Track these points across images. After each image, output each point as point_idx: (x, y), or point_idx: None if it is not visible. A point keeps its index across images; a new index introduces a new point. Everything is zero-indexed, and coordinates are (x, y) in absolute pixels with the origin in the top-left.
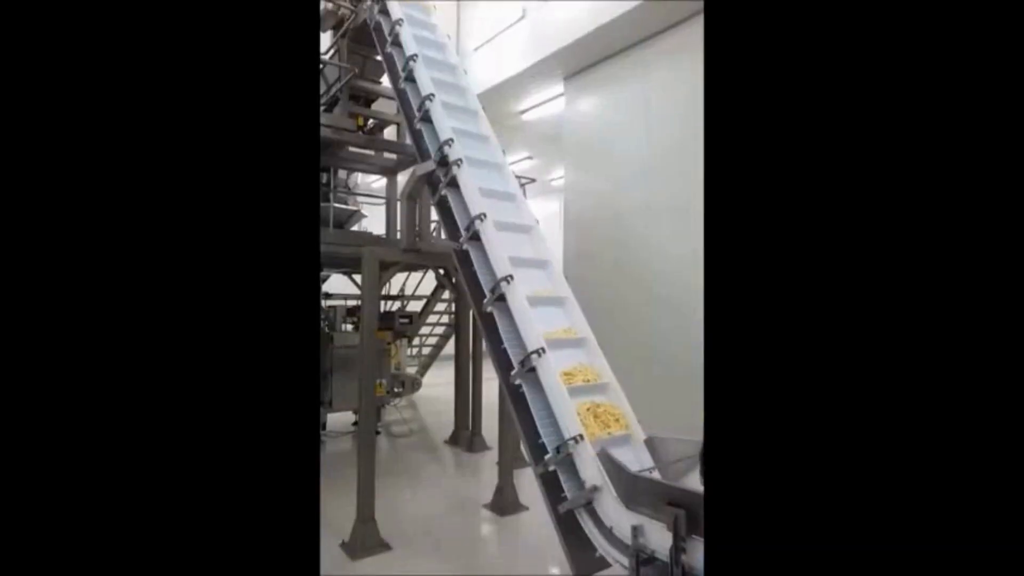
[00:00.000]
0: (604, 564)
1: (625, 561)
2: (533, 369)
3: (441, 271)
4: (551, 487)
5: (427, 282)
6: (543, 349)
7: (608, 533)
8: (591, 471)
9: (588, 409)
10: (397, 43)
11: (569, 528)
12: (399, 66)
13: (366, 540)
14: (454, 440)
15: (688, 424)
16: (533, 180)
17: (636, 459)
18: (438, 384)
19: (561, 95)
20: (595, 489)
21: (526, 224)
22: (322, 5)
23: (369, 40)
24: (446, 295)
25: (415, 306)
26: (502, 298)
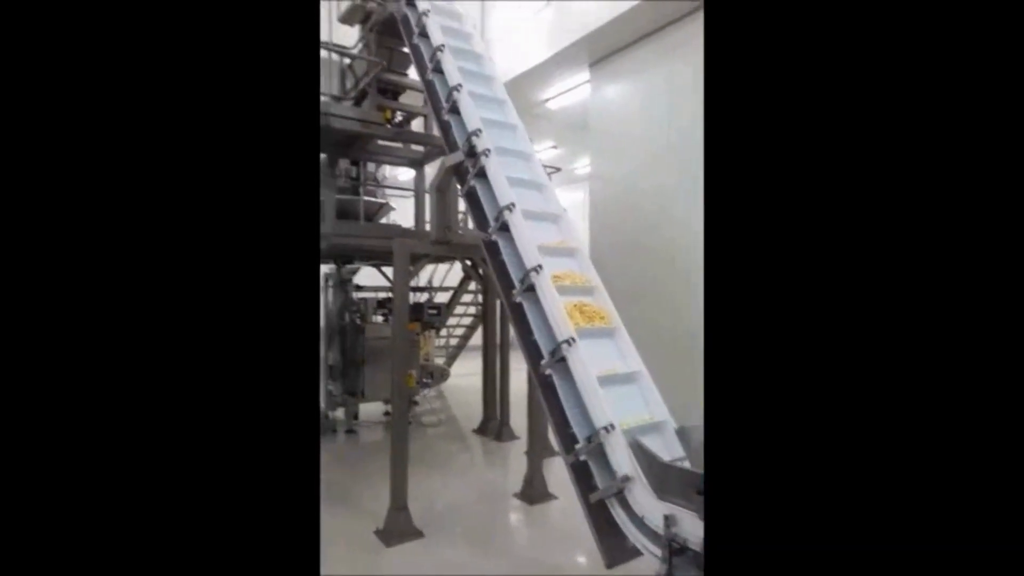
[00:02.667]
0: (635, 553)
1: (657, 551)
2: (563, 359)
3: (468, 262)
4: (582, 476)
5: (454, 273)
6: (573, 339)
7: (640, 522)
8: (622, 460)
9: (575, 306)
10: (424, 34)
11: (600, 517)
12: (426, 57)
13: (400, 527)
14: (482, 430)
15: None
16: (558, 169)
17: (619, 352)
18: (466, 374)
19: (587, 82)
20: (626, 479)
21: (553, 212)
22: None
23: (396, 33)
24: (473, 286)
25: (442, 297)
26: (531, 288)
